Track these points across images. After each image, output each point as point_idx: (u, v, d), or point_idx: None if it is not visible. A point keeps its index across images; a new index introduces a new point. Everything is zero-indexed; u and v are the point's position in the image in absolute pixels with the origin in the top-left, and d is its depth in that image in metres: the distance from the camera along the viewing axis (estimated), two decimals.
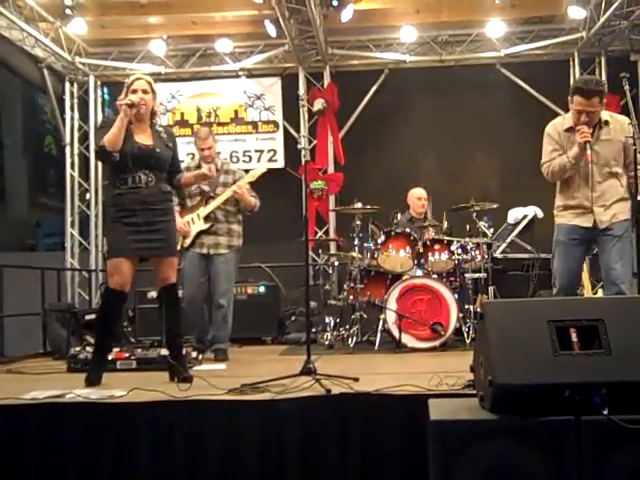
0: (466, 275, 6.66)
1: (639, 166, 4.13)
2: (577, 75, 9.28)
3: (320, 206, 9.42)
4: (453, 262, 6.53)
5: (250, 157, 9.73)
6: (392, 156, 9.59)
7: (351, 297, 6.64)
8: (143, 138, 4.47)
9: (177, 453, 3.43)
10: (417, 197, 7.58)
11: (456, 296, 6.29)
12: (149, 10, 8.97)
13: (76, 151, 10.05)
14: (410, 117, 9.68)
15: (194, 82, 9.90)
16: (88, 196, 10.08)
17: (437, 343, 6.14)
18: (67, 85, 10.02)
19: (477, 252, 6.65)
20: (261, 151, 9.73)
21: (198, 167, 5.95)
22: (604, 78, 8.92)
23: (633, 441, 2.59)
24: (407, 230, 6.63)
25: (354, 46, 9.53)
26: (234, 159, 9.61)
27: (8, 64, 9.58)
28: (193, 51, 9.69)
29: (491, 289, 6.67)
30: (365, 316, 6.59)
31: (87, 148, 9.92)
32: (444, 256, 6.51)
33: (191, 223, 5.93)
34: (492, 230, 6.94)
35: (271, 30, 8.68)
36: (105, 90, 10.19)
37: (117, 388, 3.86)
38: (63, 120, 9.99)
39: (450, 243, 6.55)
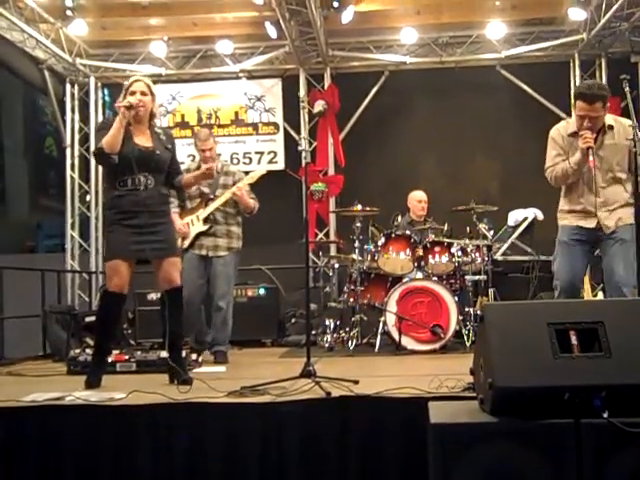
0: (466, 277, 6.66)
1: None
2: (577, 77, 9.29)
3: (320, 208, 9.42)
4: (453, 264, 6.53)
5: (250, 159, 9.73)
6: (392, 158, 9.59)
7: (351, 299, 6.64)
8: (143, 140, 4.47)
9: (177, 456, 3.42)
10: (417, 200, 7.59)
11: (456, 298, 6.29)
12: (150, 12, 8.97)
13: (77, 153, 10.04)
14: (410, 119, 9.68)
15: (194, 83, 9.89)
16: (88, 198, 10.08)
17: (437, 346, 6.14)
18: (68, 86, 10.01)
19: (477, 254, 6.65)
20: (261, 153, 9.72)
21: (198, 169, 5.94)
22: (604, 80, 8.94)
23: (633, 444, 2.59)
24: (407, 232, 6.63)
25: (354, 48, 9.53)
26: (234, 161, 9.61)
27: (9, 65, 9.59)
28: (194, 52, 9.69)
29: (491, 291, 6.67)
30: (365, 318, 6.59)
31: (88, 150, 9.91)
32: (444, 258, 6.52)
33: (190, 224, 5.93)
34: (492, 232, 6.94)
35: (272, 32, 8.68)
36: (106, 92, 10.19)
37: (117, 390, 3.86)
38: (64, 122, 9.98)
39: (450, 245, 6.55)
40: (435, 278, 6.42)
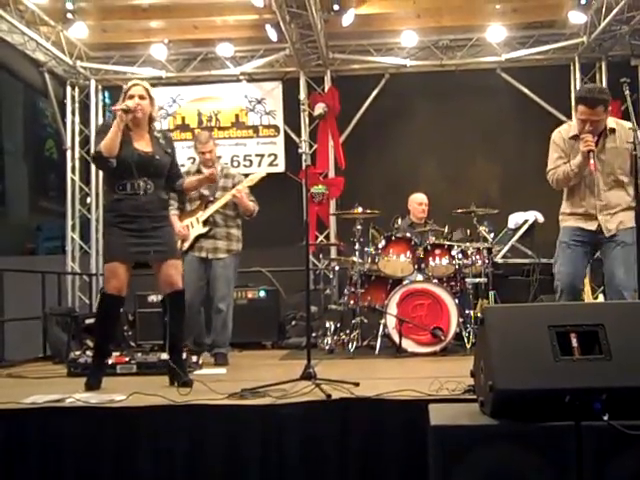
0: (466, 280, 6.66)
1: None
2: (578, 80, 9.30)
3: (321, 210, 9.42)
4: (454, 267, 6.53)
5: (251, 161, 9.73)
6: (393, 161, 9.59)
7: (351, 302, 6.64)
8: (142, 145, 4.47)
9: (177, 458, 3.42)
10: (418, 202, 7.60)
11: (456, 301, 6.29)
12: (150, 14, 8.97)
13: (77, 155, 10.05)
14: (411, 122, 9.68)
15: (195, 86, 9.90)
16: (89, 200, 10.09)
17: (437, 348, 6.14)
18: (68, 89, 10.03)
19: (478, 257, 6.65)
20: (262, 155, 9.73)
21: (198, 171, 5.97)
22: (604, 83, 8.95)
23: (633, 447, 2.59)
24: (408, 235, 6.63)
25: (355, 50, 9.54)
26: (235, 163, 9.62)
27: (9, 68, 9.61)
28: (194, 55, 9.70)
29: (491, 294, 6.67)
30: (365, 321, 6.58)
31: (88, 152, 9.88)
32: (445, 261, 6.52)
33: (190, 227, 5.94)
34: (493, 235, 6.94)
35: (272, 34, 8.69)
36: (106, 94, 10.19)
37: (117, 392, 3.86)
38: (64, 124, 9.99)
39: (451, 248, 6.55)
40: (435, 280, 6.42)
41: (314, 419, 3.46)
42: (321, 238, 9.41)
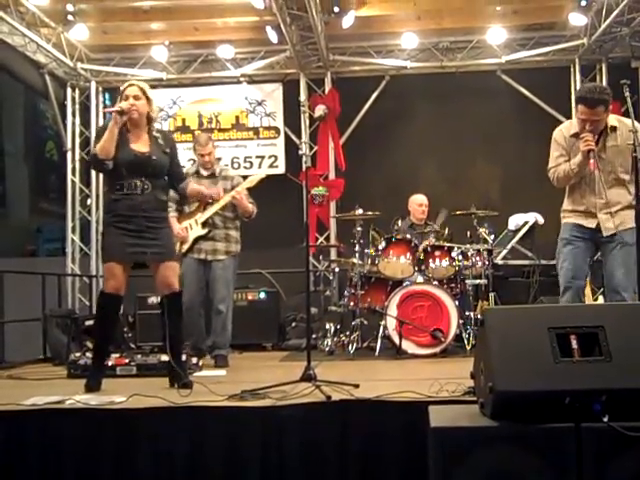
0: (467, 281, 6.66)
1: None
2: (578, 82, 9.30)
3: (321, 212, 9.42)
4: (454, 268, 6.52)
5: (251, 163, 9.74)
6: (393, 162, 9.59)
7: (352, 303, 6.64)
8: (139, 145, 4.47)
9: (177, 459, 3.42)
10: (418, 204, 7.60)
11: (457, 302, 6.29)
12: (151, 16, 8.98)
13: (77, 157, 10.05)
14: (411, 123, 9.68)
15: (195, 88, 9.91)
16: (89, 202, 10.09)
17: (437, 349, 6.14)
18: (69, 91, 10.03)
19: (478, 258, 6.65)
20: (262, 157, 9.73)
21: (196, 173, 5.99)
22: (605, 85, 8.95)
23: (633, 448, 2.59)
24: (408, 236, 6.63)
25: (355, 52, 9.55)
26: (235, 165, 9.62)
27: (10, 70, 9.61)
28: (194, 57, 9.70)
29: (492, 295, 6.67)
30: (366, 322, 6.59)
31: (88, 154, 9.91)
32: (445, 262, 6.51)
33: (189, 229, 5.93)
34: (493, 236, 6.94)
35: (272, 36, 8.69)
36: (107, 96, 10.19)
37: (117, 394, 3.85)
38: (64, 126, 10.00)
39: (451, 249, 6.55)
40: (436, 282, 6.42)
41: (314, 421, 3.46)
42: (321, 240, 9.41)
